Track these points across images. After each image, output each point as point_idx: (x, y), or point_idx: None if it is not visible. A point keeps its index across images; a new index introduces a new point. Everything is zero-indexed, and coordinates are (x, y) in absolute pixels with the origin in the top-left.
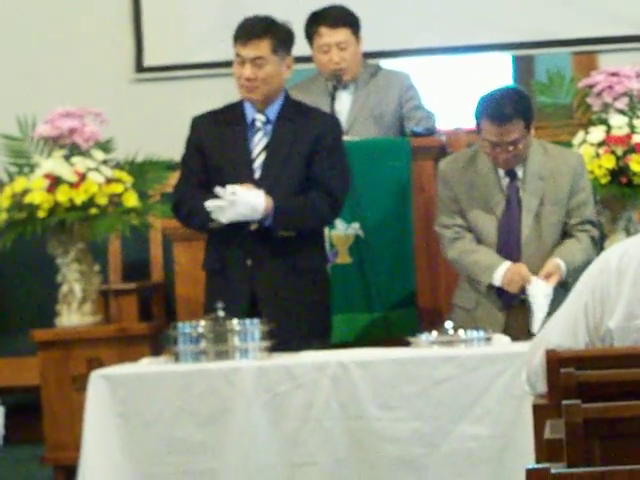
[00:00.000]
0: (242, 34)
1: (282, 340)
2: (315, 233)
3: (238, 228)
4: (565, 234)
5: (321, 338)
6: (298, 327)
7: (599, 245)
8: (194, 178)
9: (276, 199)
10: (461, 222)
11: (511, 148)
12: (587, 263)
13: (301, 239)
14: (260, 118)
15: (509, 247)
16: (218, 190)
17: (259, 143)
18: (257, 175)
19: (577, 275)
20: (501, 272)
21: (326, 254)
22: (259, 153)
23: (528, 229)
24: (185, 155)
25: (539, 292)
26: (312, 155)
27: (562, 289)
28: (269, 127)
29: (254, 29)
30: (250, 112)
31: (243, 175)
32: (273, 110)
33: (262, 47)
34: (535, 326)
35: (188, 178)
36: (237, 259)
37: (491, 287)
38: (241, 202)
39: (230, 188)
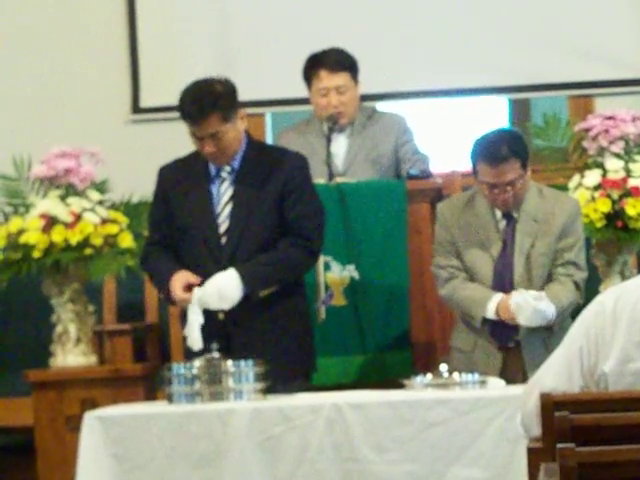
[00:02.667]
0: (189, 115)
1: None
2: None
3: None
4: (550, 276)
5: (302, 380)
6: (275, 371)
7: (582, 288)
8: (159, 233)
9: (243, 258)
10: (456, 263)
11: (509, 188)
12: (571, 306)
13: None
14: (225, 169)
15: (503, 286)
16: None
17: (225, 194)
18: (223, 229)
19: (562, 318)
20: (494, 303)
21: (308, 299)
22: (225, 205)
23: (520, 269)
24: (152, 207)
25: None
26: (282, 199)
27: (548, 332)
28: (234, 176)
29: (200, 110)
30: (215, 165)
31: (208, 231)
32: (237, 159)
33: (214, 123)
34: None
35: (154, 233)
36: (209, 314)
37: (485, 324)
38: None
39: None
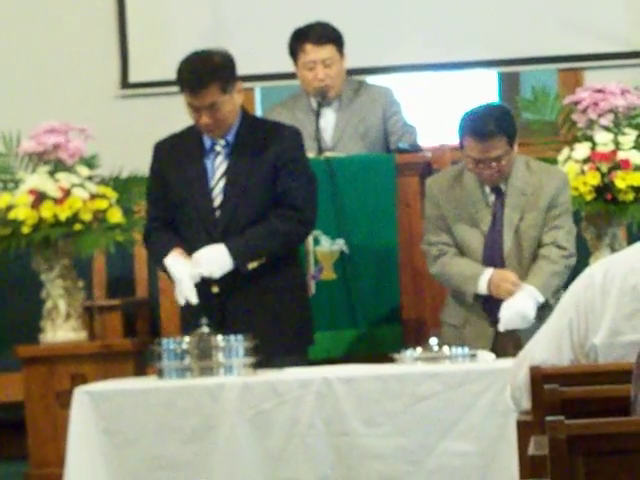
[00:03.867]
0: (187, 85)
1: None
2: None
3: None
4: (539, 246)
5: (299, 354)
6: (272, 345)
7: (573, 244)
8: (157, 209)
9: (237, 232)
10: (446, 239)
11: (494, 164)
12: (562, 274)
13: (272, 262)
14: (220, 142)
15: (493, 261)
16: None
17: (219, 168)
18: (217, 203)
19: (552, 291)
20: (485, 279)
21: (303, 271)
22: (219, 179)
23: (509, 243)
24: (149, 184)
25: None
26: (275, 172)
27: (542, 307)
28: (228, 150)
29: (199, 79)
30: (209, 139)
31: (202, 205)
32: (231, 133)
33: (212, 94)
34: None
35: (153, 209)
36: (203, 287)
37: (477, 299)
38: (204, 262)
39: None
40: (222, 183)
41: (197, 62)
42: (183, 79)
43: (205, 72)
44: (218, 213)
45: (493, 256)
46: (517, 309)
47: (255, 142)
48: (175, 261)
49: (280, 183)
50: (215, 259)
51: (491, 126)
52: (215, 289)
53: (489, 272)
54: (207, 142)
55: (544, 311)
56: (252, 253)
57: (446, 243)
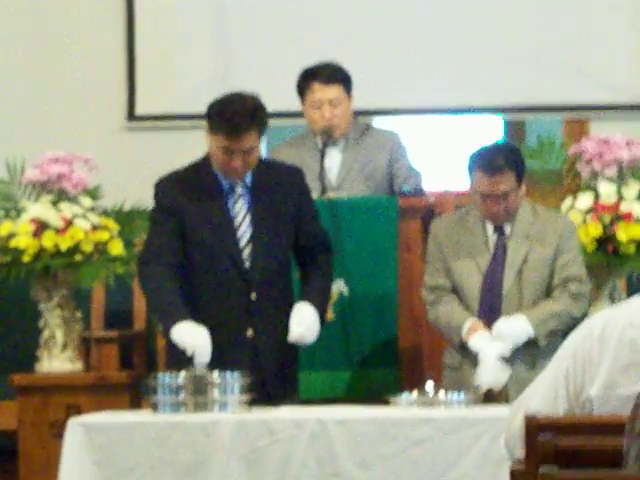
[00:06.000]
0: (227, 128)
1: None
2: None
3: None
4: (546, 294)
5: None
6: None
7: (586, 299)
8: (164, 242)
9: (263, 272)
10: (444, 282)
11: (501, 200)
12: (565, 319)
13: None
14: (239, 184)
15: (491, 302)
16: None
17: (241, 209)
18: (243, 243)
19: (547, 331)
20: (467, 327)
21: None
22: (242, 220)
23: (509, 285)
24: (158, 217)
25: (483, 343)
26: (298, 214)
27: (532, 345)
28: (247, 192)
29: (240, 124)
30: (225, 180)
31: (229, 245)
32: (248, 175)
33: (251, 138)
34: (481, 378)
35: (158, 240)
36: (235, 330)
37: (464, 348)
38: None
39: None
40: (246, 224)
41: (237, 106)
42: (222, 122)
43: (246, 116)
44: (246, 253)
45: (491, 297)
46: (492, 374)
47: (272, 185)
48: (196, 334)
49: (308, 225)
50: (310, 323)
51: (500, 161)
52: (250, 332)
53: (470, 321)
54: (225, 183)
55: (532, 350)
56: (327, 301)
57: (443, 287)
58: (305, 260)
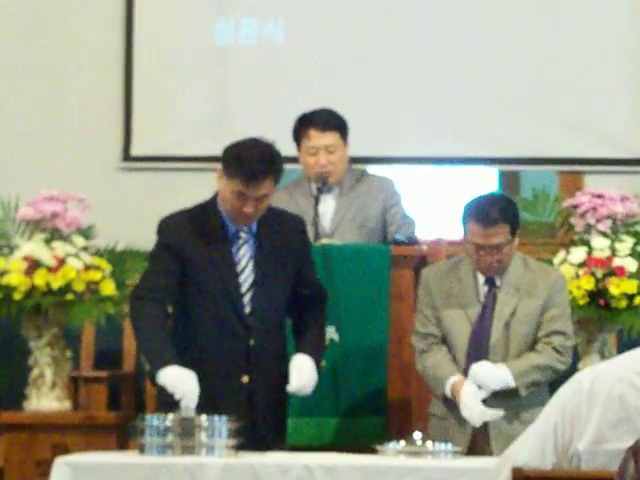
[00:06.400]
0: (246, 174)
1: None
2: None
3: None
4: (531, 347)
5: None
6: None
7: (570, 353)
8: (158, 282)
9: (265, 317)
10: (434, 331)
11: (495, 252)
12: (547, 372)
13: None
14: (244, 230)
15: (478, 353)
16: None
17: (245, 255)
18: (245, 288)
19: (528, 382)
20: (450, 383)
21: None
22: (245, 266)
23: (497, 337)
24: (158, 255)
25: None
26: (300, 263)
27: (514, 396)
28: (252, 238)
29: (260, 171)
30: (232, 225)
31: (231, 289)
32: (254, 221)
33: (267, 186)
34: (464, 414)
35: (155, 278)
36: (230, 377)
37: (447, 401)
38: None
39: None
40: (249, 270)
41: (256, 152)
42: (240, 168)
43: (265, 163)
44: (247, 298)
45: (479, 347)
46: (469, 408)
47: (276, 232)
48: (186, 380)
49: (307, 273)
50: (310, 376)
51: (495, 213)
52: (245, 379)
53: (455, 377)
54: (231, 228)
55: (514, 401)
56: (323, 350)
57: (433, 335)
58: (301, 308)
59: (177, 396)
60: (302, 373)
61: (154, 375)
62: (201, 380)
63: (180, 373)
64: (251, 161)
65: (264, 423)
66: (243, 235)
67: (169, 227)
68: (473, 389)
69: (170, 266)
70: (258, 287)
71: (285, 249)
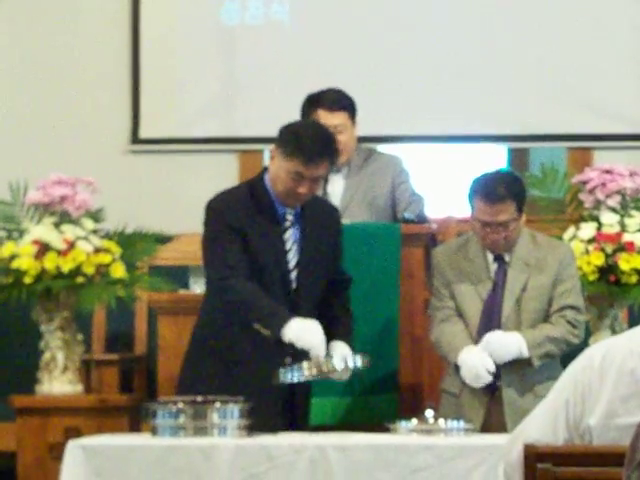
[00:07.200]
0: (308, 154)
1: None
2: None
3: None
4: (545, 321)
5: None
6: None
7: (583, 327)
8: (236, 261)
9: (309, 298)
10: (451, 304)
11: (501, 229)
12: (561, 344)
13: None
14: (290, 212)
15: (489, 329)
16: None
17: (290, 237)
18: (291, 266)
19: (541, 353)
20: (464, 354)
21: None
22: (290, 247)
23: (508, 312)
24: (225, 236)
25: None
26: (335, 252)
27: (527, 366)
28: (296, 221)
29: (319, 152)
30: (280, 206)
31: (282, 273)
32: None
33: (324, 166)
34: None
35: (233, 258)
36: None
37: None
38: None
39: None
40: (294, 252)
41: (323, 133)
42: (302, 148)
43: (325, 144)
44: (293, 281)
45: (490, 325)
46: (470, 367)
47: (317, 218)
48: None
49: (338, 262)
50: (350, 364)
51: (501, 190)
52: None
53: (470, 348)
54: (280, 209)
55: (526, 369)
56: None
57: (452, 308)
58: (330, 294)
59: (306, 348)
60: (345, 360)
61: (278, 335)
62: (248, 356)
63: (303, 325)
64: (312, 142)
65: (300, 401)
66: (290, 217)
67: (226, 207)
68: (481, 355)
69: (239, 244)
70: (302, 268)
71: (325, 236)
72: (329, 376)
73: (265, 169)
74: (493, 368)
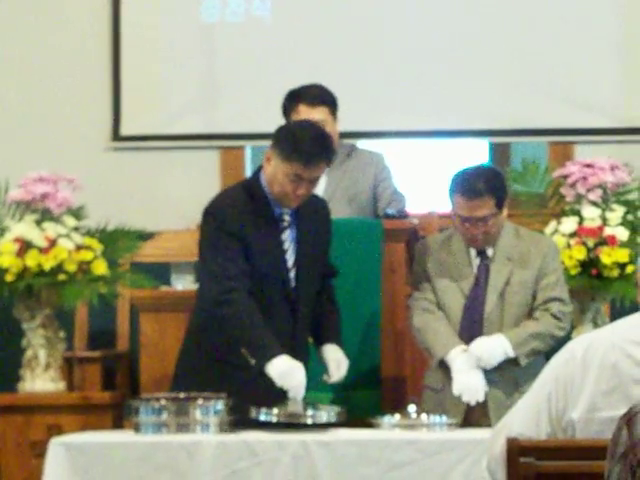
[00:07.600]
0: (306, 156)
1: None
2: None
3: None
4: (528, 315)
5: None
6: None
7: (569, 319)
8: (237, 268)
9: (306, 300)
10: (432, 298)
11: (480, 224)
12: (546, 339)
13: None
14: (286, 213)
15: (472, 324)
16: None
17: (288, 237)
18: (289, 265)
19: (527, 351)
20: (454, 352)
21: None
22: (288, 247)
23: (491, 307)
24: (225, 243)
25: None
26: (326, 245)
27: (514, 365)
28: (293, 221)
29: (318, 153)
30: (277, 207)
31: (281, 277)
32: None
33: (323, 167)
34: (455, 388)
35: (233, 267)
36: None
37: (441, 366)
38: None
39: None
40: (291, 252)
41: (320, 134)
42: (300, 150)
43: (323, 146)
44: (292, 283)
45: (473, 319)
46: (466, 385)
47: (310, 215)
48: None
49: (327, 256)
50: (345, 365)
51: (480, 186)
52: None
53: (459, 348)
54: (276, 210)
55: (512, 368)
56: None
57: (432, 301)
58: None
59: (285, 388)
60: (339, 364)
61: (262, 368)
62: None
63: (287, 365)
64: (310, 143)
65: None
66: (287, 218)
67: (225, 212)
68: (478, 378)
69: (240, 252)
70: (299, 267)
71: (319, 233)
72: (299, 421)
73: (259, 169)
74: (486, 387)
